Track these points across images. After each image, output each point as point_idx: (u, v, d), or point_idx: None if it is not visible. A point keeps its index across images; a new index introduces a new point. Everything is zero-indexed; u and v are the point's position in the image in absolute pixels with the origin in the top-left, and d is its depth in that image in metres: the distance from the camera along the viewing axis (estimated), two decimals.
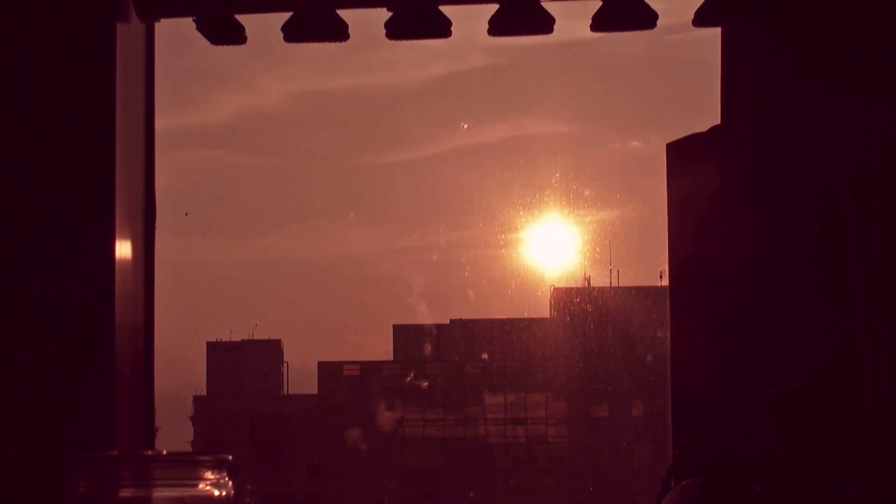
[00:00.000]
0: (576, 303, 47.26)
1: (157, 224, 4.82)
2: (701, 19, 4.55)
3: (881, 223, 4.16)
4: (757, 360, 4.30)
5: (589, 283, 48.09)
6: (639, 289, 46.51)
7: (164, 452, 2.39)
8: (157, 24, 4.81)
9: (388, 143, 71.74)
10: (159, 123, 4.84)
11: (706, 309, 4.46)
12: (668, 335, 4.61)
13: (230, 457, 2.39)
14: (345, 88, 66.21)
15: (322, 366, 50.72)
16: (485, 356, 49.22)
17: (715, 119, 4.66)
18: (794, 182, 4.35)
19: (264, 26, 4.69)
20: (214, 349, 52.37)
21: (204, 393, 51.50)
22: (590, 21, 4.60)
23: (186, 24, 4.67)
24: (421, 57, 67.05)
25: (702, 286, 4.47)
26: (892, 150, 4.19)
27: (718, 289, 4.43)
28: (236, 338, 52.75)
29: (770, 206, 4.39)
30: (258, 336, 52.67)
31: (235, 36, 4.69)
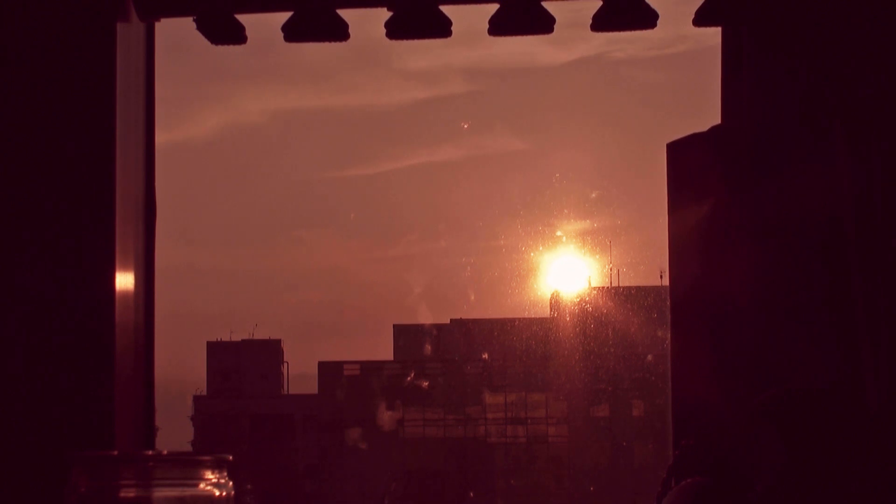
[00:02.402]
0: (576, 303, 47.25)
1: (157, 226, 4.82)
2: (701, 19, 4.55)
3: (883, 224, 4.16)
4: (758, 375, 4.29)
5: (589, 283, 48.11)
6: (639, 289, 46.48)
7: (164, 452, 2.39)
8: (157, 24, 4.81)
9: (384, 153, 71.97)
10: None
11: (708, 321, 4.44)
12: (668, 337, 4.60)
13: (230, 457, 2.39)
14: (333, 106, 66.49)
15: (322, 366, 50.72)
16: (485, 356, 49.20)
17: (715, 119, 4.66)
18: (794, 182, 4.35)
19: (265, 26, 4.69)
20: (214, 349, 52.35)
21: (204, 393, 51.49)
22: (590, 21, 4.61)
23: (187, 24, 4.67)
24: (415, 75, 67.22)
25: (703, 293, 4.46)
26: (893, 150, 4.19)
27: (720, 300, 4.41)
28: (236, 338, 52.78)
29: (770, 208, 4.38)
30: (258, 336, 52.72)
31: (235, 36, 4.69)
